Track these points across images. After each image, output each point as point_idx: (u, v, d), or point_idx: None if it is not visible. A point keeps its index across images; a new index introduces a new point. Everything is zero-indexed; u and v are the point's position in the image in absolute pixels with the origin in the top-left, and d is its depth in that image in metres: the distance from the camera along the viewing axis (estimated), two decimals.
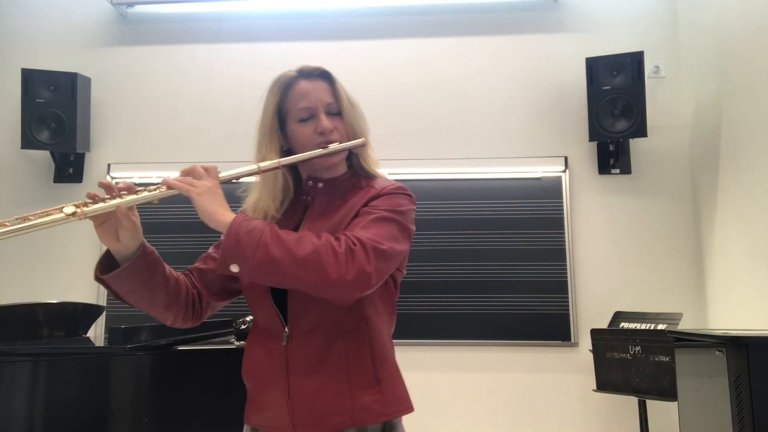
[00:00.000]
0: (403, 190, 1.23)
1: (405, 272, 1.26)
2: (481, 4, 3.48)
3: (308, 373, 1.13)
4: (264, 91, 1.27)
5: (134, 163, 3.46)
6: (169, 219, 3.35)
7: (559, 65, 3.38)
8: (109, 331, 1.76)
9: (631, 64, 3.07)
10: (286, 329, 1.15)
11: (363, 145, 1.23)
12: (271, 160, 1.19)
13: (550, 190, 3.26)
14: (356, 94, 1.27)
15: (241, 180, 1.17)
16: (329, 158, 1.22)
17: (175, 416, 1.71)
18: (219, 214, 1.07)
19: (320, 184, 1.26)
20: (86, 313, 2.29)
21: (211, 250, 1.31)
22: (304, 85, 1.23)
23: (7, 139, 3.53)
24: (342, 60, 3.46)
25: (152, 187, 1.10)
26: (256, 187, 1.26)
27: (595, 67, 3.13)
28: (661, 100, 3.28)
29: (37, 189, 3.51)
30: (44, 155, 3.48)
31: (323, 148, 1.19)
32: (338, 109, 1.23)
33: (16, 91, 3.35)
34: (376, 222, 1.13)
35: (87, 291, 3.33)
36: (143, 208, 1.10)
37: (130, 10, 3.61)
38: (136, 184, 1.13)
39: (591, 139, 3.20)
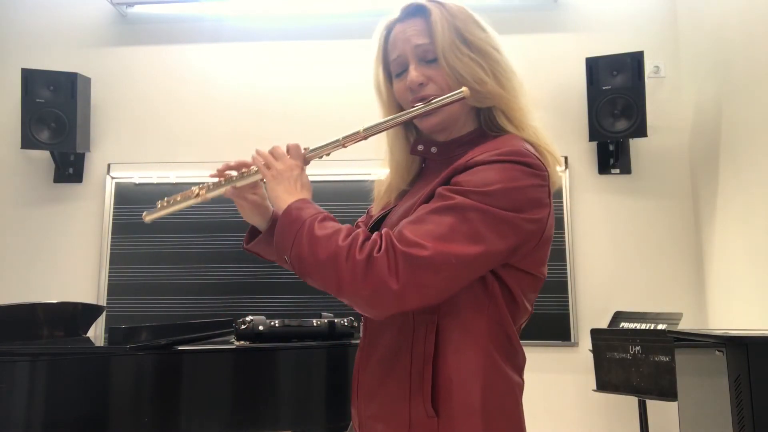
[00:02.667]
0: (512, 155, 0.88)
1: (537, 276, 0.96)
2: (481, 4, 3.46)
3: (374, 376, 0.98)
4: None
5: (134, 163, 3.46)
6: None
7: (559, 65, 3.38)
8: (109, 331, 1.76)
9: (631, 64, 3.07)
10: (362, 317, 1.02)
11: (463, 98, 0.93)
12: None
13: None
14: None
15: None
16: (426, 120, 0.98)
17: (176, 416, 1.71)
18: (279, 199, 0.99)
19: (434, 149, 1.02)
20: (86, 313, 2.29)
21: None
22: (396, 30, 1.01)
23: (7, 139, 3.53)
24: (342, 60, 3.46)
25: (245, 171, 1.09)
26: (387, 156, 1.11)
27: (595, 67, 3.12)
28: (661, 100, 3.28)
29: (37, 189, 3.51)
30: (44, 155, 3.48)
31: (418, 106, 0.97)
32: (435, 53, 0.96)
33: (16, 91, 3.35)
34: (439, 213, 0.86)
35: (87, 291, 3.33)
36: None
37: (130, 10, 3.61)
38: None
39: (591, 139, 3.20)
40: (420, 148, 1.04)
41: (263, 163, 1.03)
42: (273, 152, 1.03)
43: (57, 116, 3.28)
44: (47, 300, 2.24)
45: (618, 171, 3.27)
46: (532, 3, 3.44)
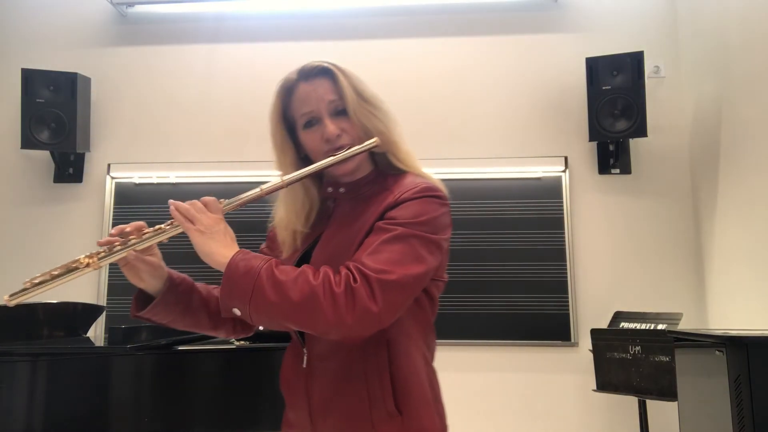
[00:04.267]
0: (428, 191, 1.09)
1: (445, 281, 1.17)
2: (481, 4, 3.48)
3: (329, 400, 1.06)
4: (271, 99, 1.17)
5: (134, 163, 3.47)
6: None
7: (559, 65, 3.38)
8: (109, 331, 1.76)
9: (631, 64, 3.07)
10: (305, 350, 1.11)
11: (376, 146, 1.10)
12: (287, 172, 1.11)
13: (550, 190, 3.26)
14: None
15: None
16: (342, 166, 1.10)
17: (176, 416, 1.71)
18: (216, 254, 1.02)
19: (342, 189, 1.16)
20: (86, 313, 2.29)
21: (264, 246, 1.27)
22: (303, 88, 1.14)
23: (7, 139, 3.53)
24: (341, 60, 3.45)
25: (158, 227, 1.07)
26: (280, 201, 1.18)
27: (595, 67, 3.13)
28: (661, 100, 3.28)
29: (37, 189, 3.51)
30: (44, 155, 3.48)
31: (333, 155, 1.09)
32: (344, 107, 1.11)
33: (16, 91, 3.35)
34: (389, 243, 1.00)
35: (87, 291, 3.33)
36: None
37: (130, 10, 3.61)
38: (141, 215, 1.11)
39: (591, 139, 3.20)
40: (329, 189, 1.17)
41: (184, 218, 1.04)
42: (192, 207, 1.05)
43: (57, 116, 3.28)
44: (47, 300, 2.24)
45: (618, 171, 3.27)
46: (532, 3, 3.45)
